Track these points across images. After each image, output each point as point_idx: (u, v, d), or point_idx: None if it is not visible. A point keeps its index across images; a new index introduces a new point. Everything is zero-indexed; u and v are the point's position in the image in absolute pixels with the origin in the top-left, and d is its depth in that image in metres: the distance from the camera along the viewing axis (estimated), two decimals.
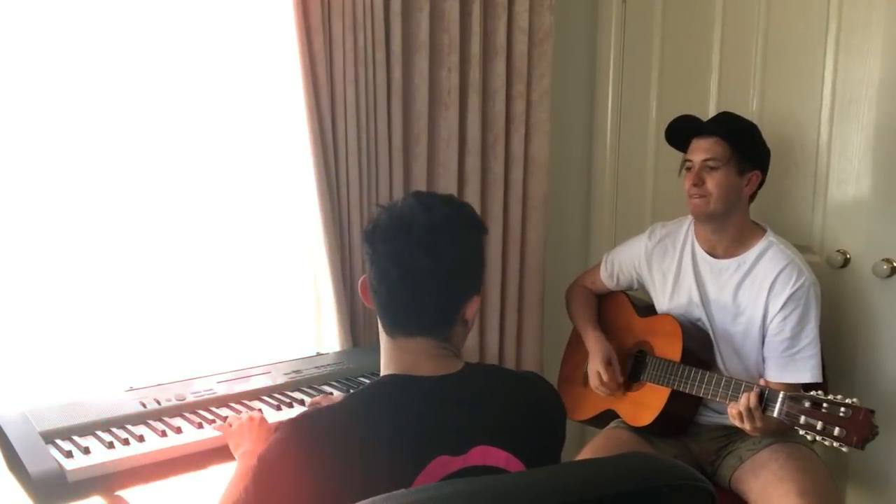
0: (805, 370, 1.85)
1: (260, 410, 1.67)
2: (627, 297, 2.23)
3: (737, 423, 1.75)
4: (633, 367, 2.09)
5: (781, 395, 1.67)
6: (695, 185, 1.91)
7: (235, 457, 1.48)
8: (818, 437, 1.59)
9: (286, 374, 1.91)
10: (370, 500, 0.94)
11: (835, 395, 1.60)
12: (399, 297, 1.20)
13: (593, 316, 2.23)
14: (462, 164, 2.36)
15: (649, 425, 1.97)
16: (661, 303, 2.10)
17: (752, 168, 1.93)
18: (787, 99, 2.21)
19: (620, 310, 2.22)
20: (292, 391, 1.85)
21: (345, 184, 2.15)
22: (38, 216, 1.88)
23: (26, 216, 1.86)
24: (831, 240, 2.14)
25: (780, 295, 1.86)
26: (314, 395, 1.82)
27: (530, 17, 2.37)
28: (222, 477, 1.40)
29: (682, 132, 1.99)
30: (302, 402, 1.79)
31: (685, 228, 2.07)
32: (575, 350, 2.32)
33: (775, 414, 1.68)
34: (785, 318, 1.86)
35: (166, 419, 1.66)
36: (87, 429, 1.57)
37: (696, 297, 2.00)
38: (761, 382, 1.75)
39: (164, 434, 1.59)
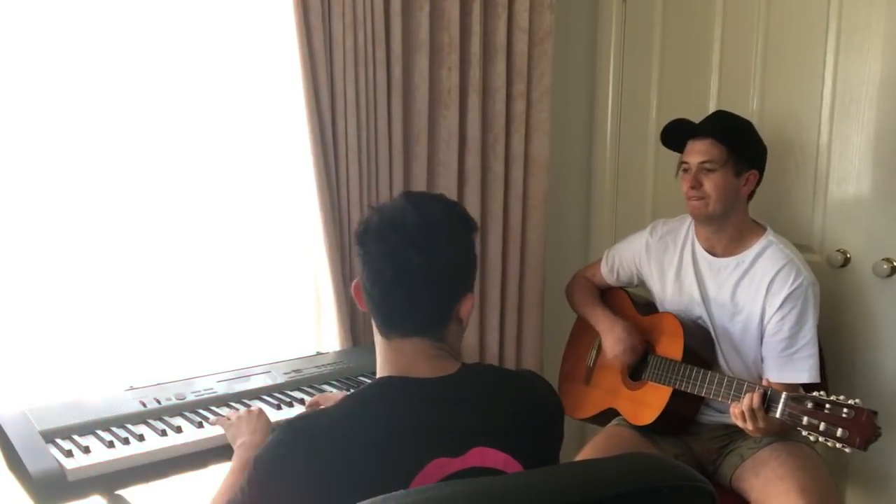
0: (803, 370, 1.85)
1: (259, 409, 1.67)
2: (628, 295, 2.23)
3: (739, 422, 1.75)
4: (634, 365, 2.09)
5: (784, 395, 1.67)
6: (692, 187, 1.91)
7: (234, 448, 1.48)
8: (821, 438, 1.59)
9: (286, 373, 1.91)
10: (368, 501, 0.94)
11: (836, 395, 1.60)
12: (393, 297, 1.20)
13: (598, 300, 2.22)
14: (462, 163, 2.36)
15: (651, 424, 1.97)
16: (662, 300, 2.10)
17: (749, 168, 1.92)
18: (787, 99, 2.21)
19: (621, 308, 2.21)
20: (292, 390, 1.85)
21: (345, 183, 2.15)
22: (38, 216, 1.88)
23: (27, 216, 1.86)
24: (831, 239, 2.14)
25: (778, 294, 1.86)
26: (314, 395, 1.82)
27: (530, 17, 2.37)
28: (222, 477, 1.40)
29: (677, 134, 1.99)
30: (302, 402, 1.79)
31: (686, 226, 2.07)
32: (575, 347, 2.32)
33: (778, 414, 1.67)
34: (783, 318, 1.86)
35: (166, 418, 1.66)
36: (88, 428, 1.58)
37: (696, 295, 2.00)
38: (764, 383, 1.75)
39: (164, 433, 1.59)
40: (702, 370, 1.87)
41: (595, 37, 2.73)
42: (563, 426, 1.30)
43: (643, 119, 2.63)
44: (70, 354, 1.92)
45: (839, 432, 1.56)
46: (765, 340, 1.90)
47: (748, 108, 2.27)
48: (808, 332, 1.85)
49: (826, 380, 2.02)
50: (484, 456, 1.15)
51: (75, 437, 1.54)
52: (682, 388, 1.90)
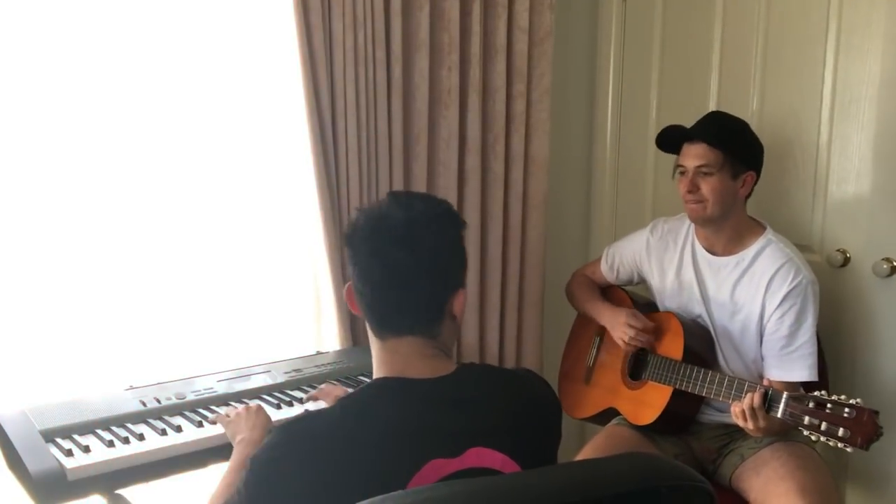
0: (802, 369, 1.85)
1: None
2: (627, 294, 2.23)
3: (740, 422, 1.75)
4: (634, 365, 2.09)
5: (785, 395, 1.67)
6: (690, 191, 1.91)
7: (233, 444, 1.48)
8: (822, 438, 1.59)
9: (286, 372, 1.91)
10: (366, 502, 0.94)
11: (836, 395, 1.60)
12: (384, 295, 1.20)
13: (599, 295, 2.22)
14: (462, 163, 2.36)
15: (651, 424, 1.97)
16: (662, 298, 2.10)
17: (746, 170, 1.92)
18: (787, 98, 2.21)
19: (620, 306, 2.21)
20: (292, 390, 1.85)
21: (345, 182, 2.15)
22: (38, 216, 1.88)
23: (27, 216, 1.86)
24: (831, 239, 2.14)
25: (777, 292, 1.86)
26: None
27: (530, 17, 2.37)
28: (221, 475, 1.40)
29: (672, 137, 1.99)
30: (301, 401, 1.79)
31: (686, 225, 2.07)
32: (575, 345, 2.32)
33: (779, 414, 1.67)
34: (782, 316, 1.86)
35: (166, 418, 1.66)
36: (88, 427, 1.58)
37: (696, 294, 2.00)
38: (764, 382, 1.75)
39: (164, 433, 1.59)
40: (702, 370, 1.87)
41: (595, 37, 2.73)
42: (561, 426, 1.30)
43: (643, 119, 2.63)
44: (70, 354, 1.92)
45: (841, 432, 1.56)
46: (764, 339, 1.90)
47: (748, 109, 2.27)
48: (808, 331, 1.85)
49: (827, 380, 2.02)
50: (481, 456, 1.15)
51: (75, 436, 1.54)
52: (683, 388, 1.90)
